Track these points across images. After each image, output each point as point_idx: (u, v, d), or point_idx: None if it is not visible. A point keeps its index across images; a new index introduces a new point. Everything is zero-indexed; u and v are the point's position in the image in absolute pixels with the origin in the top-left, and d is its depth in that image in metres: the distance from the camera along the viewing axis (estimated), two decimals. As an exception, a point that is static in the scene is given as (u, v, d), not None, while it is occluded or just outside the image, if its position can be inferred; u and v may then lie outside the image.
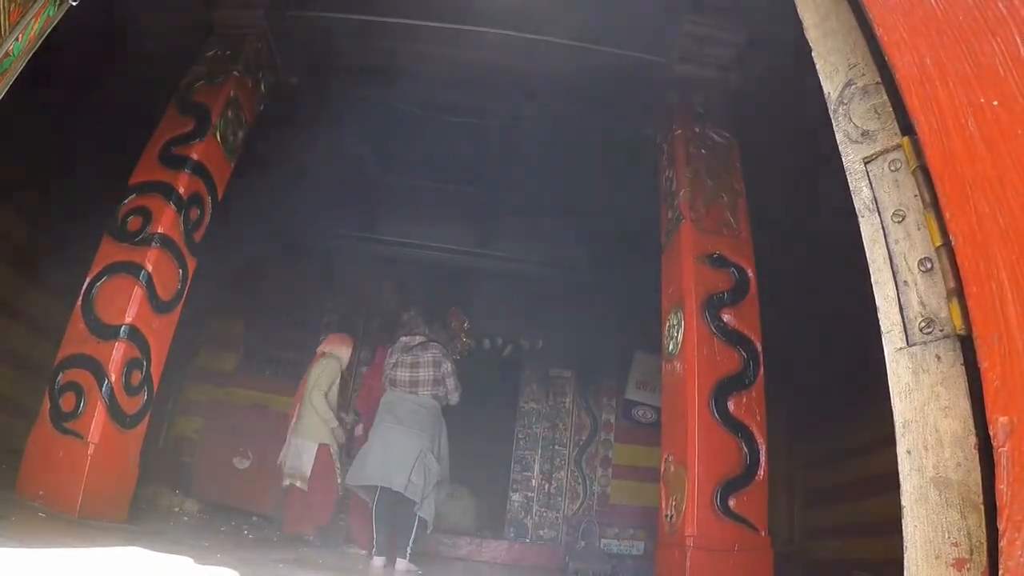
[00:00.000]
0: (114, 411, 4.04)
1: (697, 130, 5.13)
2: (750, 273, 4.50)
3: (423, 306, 6.48)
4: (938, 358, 1.30)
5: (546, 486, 8.14)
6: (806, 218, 5.66)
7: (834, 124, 1.67)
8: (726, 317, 4.29)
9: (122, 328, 4.14)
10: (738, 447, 3.98)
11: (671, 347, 4.45)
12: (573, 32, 5.35)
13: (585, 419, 8.42)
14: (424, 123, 6.45)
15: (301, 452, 6.05)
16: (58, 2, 2.69)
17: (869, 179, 1.54)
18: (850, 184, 1.59)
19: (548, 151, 6.50)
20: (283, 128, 6.15)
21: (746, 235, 4.70)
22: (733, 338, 4.24)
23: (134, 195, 4.52)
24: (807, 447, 7.45)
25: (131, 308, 4.20)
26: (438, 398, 5.53)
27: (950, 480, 1.20)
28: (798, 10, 1.88)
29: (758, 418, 4.10)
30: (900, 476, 1.29)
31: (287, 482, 6.04)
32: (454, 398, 5.64)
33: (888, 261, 1.44)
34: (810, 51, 1.81)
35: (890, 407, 1.35)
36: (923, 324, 1.34)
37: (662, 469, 4.32)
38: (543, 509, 8.04)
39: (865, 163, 1.56)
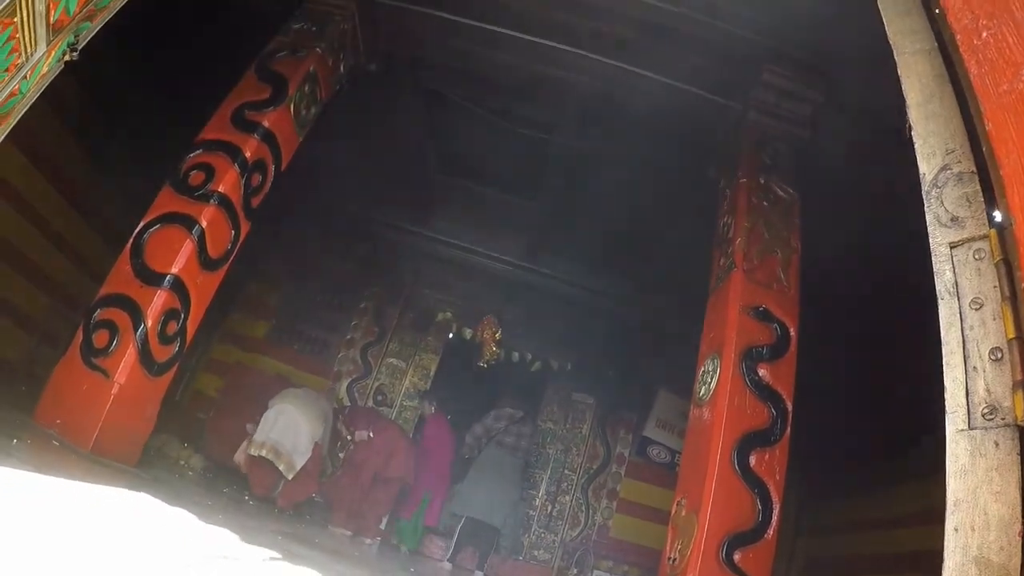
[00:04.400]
0: (144, 356, 4.11)
1: (762, 181, 5.09)
2: (792, 332, 4.43)
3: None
4: (996, 444, 1.33)
5: (549, 507, 8.13)
6: (853, 282, 5.61)
7: (925, 205, 1.70)
8: (762, 371, 4.23)
9: (167, 277, 4.21)
10: (753, 502, 3.93)
11: (702, 392, 4.43)
12: (654, 65, 5.38)
13: (599, 448, 8.40)
14: (492, 129, 6.50)
15: (298, 434, 6.08)
16: (65, 53, 2.74)
17: (953, 264, 1.57)
18: (934, 266, 1.62)
19: (611, 178, 6.51)
20: (354, 111, 6.24)
21: (794, 293, 4.64)
22: (765, 393, 4.18)
23: (200, 151, 4.62)
24: (812, 515, 7.33)
25: (179, 259, 4.28)
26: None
27: (991, 562, 1.23)
28: (903, 87, 1.90)
29: (777, 477, 4.03)
30: (945, 551, 1.31)
31: (259, 453, 6.02)
32: None
33: (961, 345, 1.47)
34: (907, 128, 1.83)
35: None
36: (986, 410, 1.37)
37: (673, 511, 4.30)
38: (542, 530, 8.03)
39: (951, 247, 1.59)
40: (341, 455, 6.81)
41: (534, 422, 7.81)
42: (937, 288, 1.55)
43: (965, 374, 1.43)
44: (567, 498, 8.16)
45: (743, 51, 5.11)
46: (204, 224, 4.39)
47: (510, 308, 8.26)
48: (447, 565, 6.68)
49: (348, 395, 8.17)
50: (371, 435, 6.60)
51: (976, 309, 1.49)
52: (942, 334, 1.51)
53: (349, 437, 6.77)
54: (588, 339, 8.03)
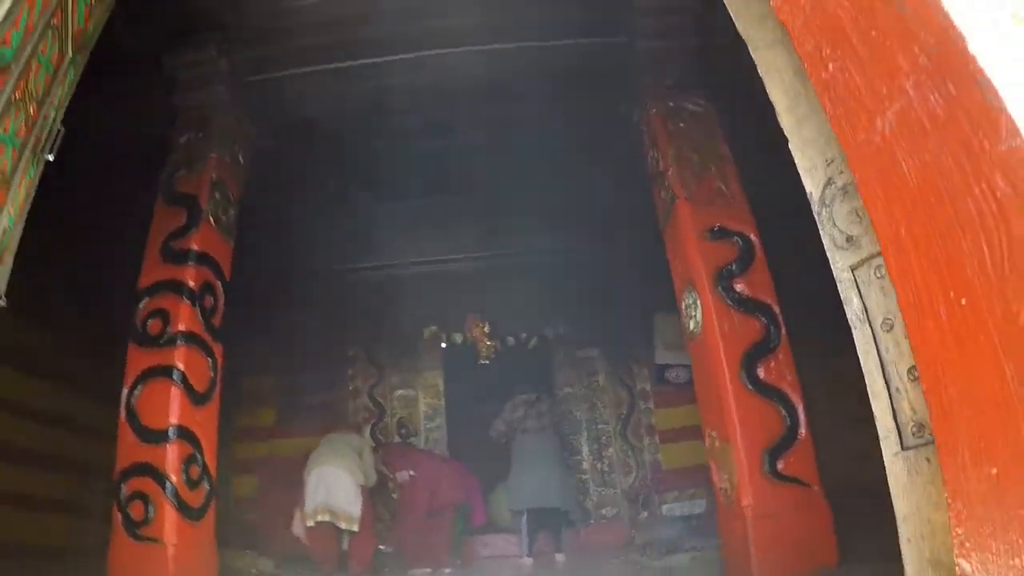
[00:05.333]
0: (182, 508, 4.29)
1: (671, 104, 5.21)
2: (753, 237, 4.60)
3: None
4: (928, 460, 1.43)
5: (598, 465, 8.33)
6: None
7: (819, 228, 1.70)
8: (739, 287, 4.42)
9: (169, 430, 4.36)
10: (776, 411, 4.15)
11: (692, 326, 4.61)
12: (530, 34, 5.46)
13: (621, 392, 8.56)
14: (401, 149, 6.62)
15: (343, 489, 6.21)
16: (36, 161, 2.82)
17: (857, 287, 1.60)
18: (840, 294, 1.64)
19: (533, 150, 6.69)
20: (270, 184, 6.30)
21: (741, 200, 4.79)
22: (750, 306, 4.38)
23: (147, 298, 4.73)
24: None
25: (172, 408, 4.43)
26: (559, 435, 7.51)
27: (943, 562, 1.36)
28: (768, 92, 1.88)
29: (789, 378, 4.24)
30: (903, 558, 1.47)
31: (321, 519, 6.13)
32: None
33: (880, 369, 1.54)
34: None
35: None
36: (914, 429, 1.47)
37: (707, 444, 4.52)
38: (600, 489, 8.25)
39: (852, 271, 1.61)
40: (395, 496, 7.06)
41: (550, 397, 7.98)
42: (848, 317, 1.60)
43: (889, 397, 1.51)
44: (611, 450, 8.39)
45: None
46: (181, 367, 4.54)
47: (486, 299, 8.40)
48: (527, 560, 6.84)
49: (373, 439, 8.35)
50: (412, 473, 6.80)
51: (887, 330, 1.52)
52: (861, 361, 1.58)
53: (391, 481, 7.00)
54: (568, 298, 8.15)
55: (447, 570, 6.56)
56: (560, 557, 6.91)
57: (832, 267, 1.69)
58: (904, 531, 1.47)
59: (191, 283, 4.76)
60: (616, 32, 5.54)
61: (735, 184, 4.88)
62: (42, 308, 5.87)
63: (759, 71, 1.93)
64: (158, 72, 5.40)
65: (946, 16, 1.07)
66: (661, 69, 5.35)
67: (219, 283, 5.08)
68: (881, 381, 1.55)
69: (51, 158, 2.87)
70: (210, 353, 4.85)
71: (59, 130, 2.90)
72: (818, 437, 4.23)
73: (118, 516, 4.26)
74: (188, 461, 4.43)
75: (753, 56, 1.96)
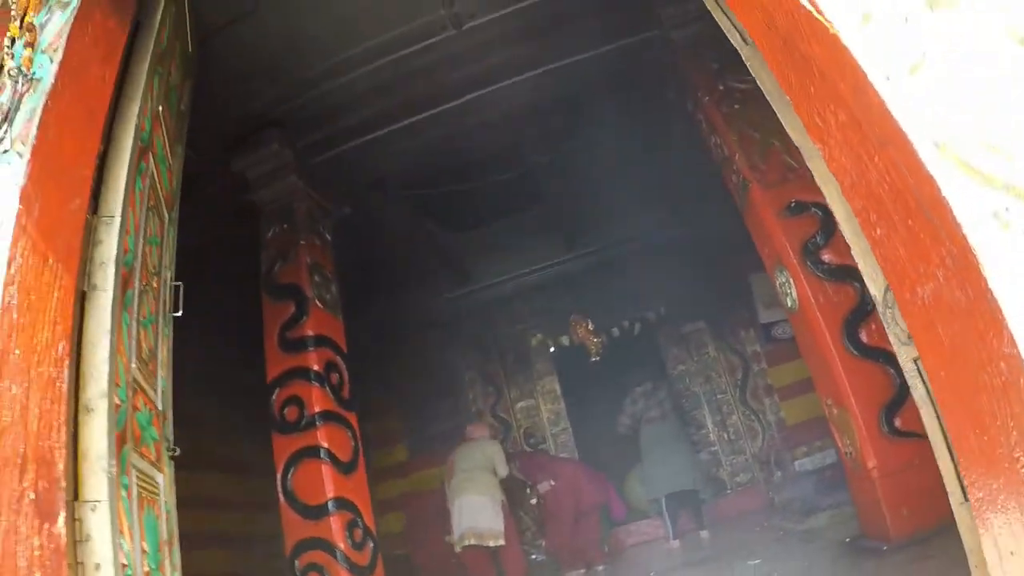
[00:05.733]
0: (353, 570, 4.61)
1: (721, 88, 5.12)
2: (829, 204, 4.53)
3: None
4: None
5: (724, 435, 8.34)
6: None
7: (885, 326, 1.79)
8: (826, 257, 4.34)
9: (328, 504, 4.70)
10: (884, 371, 4.09)
11: (790, 303, 4.58)
12: (570, 50, 5.53)
13: (733, 359, 8.54)
14: (475, 179, 6.83)
15: (484, 510, 6.44)
16: (167, 322, 3.12)
17: (920, 376, 1.68)
18: (908, 382, 1.73)
19: (599, 152, 6.77)
20: (361, 238, 6.65)
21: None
22: (840, 274, 4.29)
23: (278, 388, 5.07)
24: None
25: (327, 484, 4.76)
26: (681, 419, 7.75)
27: None
28: (826, 197, 1.93)
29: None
30: None
31: (468, 543, 6.37)
32: None
33: (944, 441, 1.66)
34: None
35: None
36: None
37: (826, 412, 4.54)
38: (731, 457, 8.27)
39: (915, 362, 1.70)
40: (533, 502, 7.29)
41: (666, 382, 8.11)
42: (915, 399, 1.69)
43: (952, 461, 1.63)
44: (734, 418, 8.37)
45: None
46: (325, 445, 4.85)
47: (584, 297, 8.52)
48: (675, 543, 6.99)
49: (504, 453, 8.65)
50: (552, 483, 7.01)
51: (948, 412, 1.62)
52: (928, 433, 1.68)
53: (530, 490, 7.24)
54: (662, 279, 8.17)
55: (600, 567, 6.74)
56: (704, 533, 7.03)
57: (899, 359, 1.76)
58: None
59: (315, 367, 5.07)
60: (648, 27, 5.52)
61: (801, 155, 4.78)
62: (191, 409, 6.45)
63: (815, 179, 1.97)
64: (229, 176, 5.71)
65: (964, 237, 1.23)
66: (701, 54, 5.26)
67: (339, 358, 5.38)
68: (944, 448, 1.67)
69: (179, 313, 3.20)
70: (347, 424, 5.17)
71: (177, 287, 3.21)
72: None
73: (298, 592, 4.63)
74: (350, 526, 4.75)
75: (808, 164, 2.03)
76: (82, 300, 2.22)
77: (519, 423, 8.88)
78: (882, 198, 1.54)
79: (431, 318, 8.53)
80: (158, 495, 2.67)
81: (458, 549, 6.48)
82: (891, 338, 1.75)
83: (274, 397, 5.07)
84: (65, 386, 1.99)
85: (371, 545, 4.93)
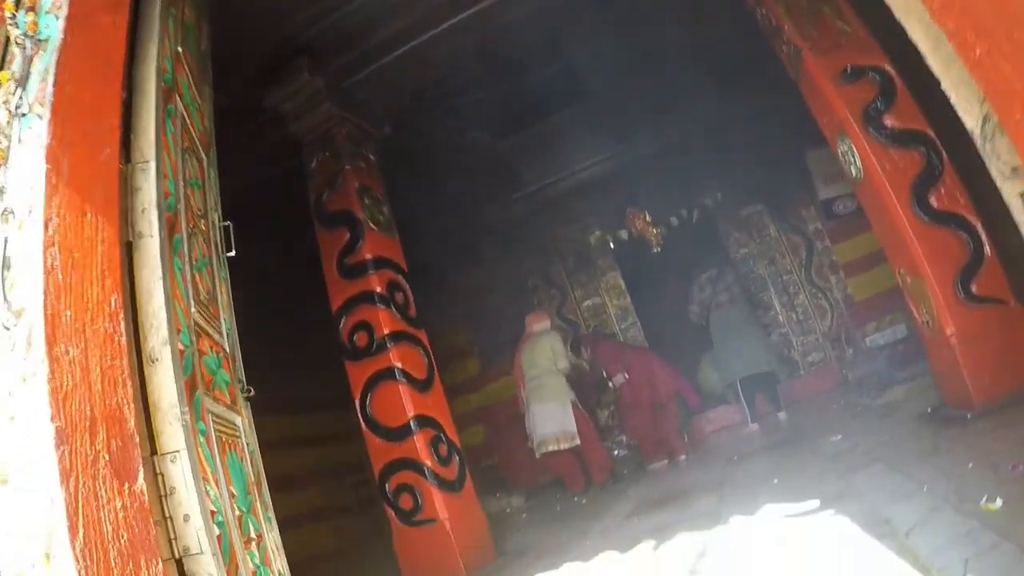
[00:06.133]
0: (443, 485, 4.61)
1: (764, -49, 4.67)
2: (888, 68, 4.10)
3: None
4: None
5: (793, 316, 8.11)
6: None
7: (985, 160, 1.56)
8: (889, 122, 3.99)
9: (410, 423, 4.66)
10: (957, 236, 3.85)
11: (854, 172, 4.28)
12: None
13: (795, 238, 8.23)
14: (514, 83, 6.51)
15: (553, 414, 6.46)
16: (222, 263, 3.00)
17: None
18: (1015, 217, 1.51)
19: (640, 39, 6.33)
20: (408, 157, 6.45)
21: (865, 33, 4.25)
22: (905, 139, 3.97)
23: (344, 317, 4.98)
24: None
25: (406, 404, 4.71)
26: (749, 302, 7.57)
27: None
28: (908, 33, 1.67)
29: (962, 201, 3.87)
30: None
31: (546, 449, 6.44)
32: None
33: None
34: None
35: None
36: None
37: (900, 282, 4.30)
38: (801, 337, 8.05)
39: (1021, 197, 1.48)
40: (613, 384, 7.12)
41: (730, 267, 7.85)
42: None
43: None
44: (801, 298, 8.10)
45: None
46: (399, 365, 4.78)
47: (639, 189, 8.19)
48: (754, 427, 6.93)
49: (574, 353, 8.56)
50: (626, 375, 6.90)
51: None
52: None
53: (610, 384, 7.17)
54: (716, 163, 7.75)
55: (682, 457, 6.68)
56: (782, 415, 6.90)
57: (1004, 197, 1.54)
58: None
59: (378, 289, 4.94)
60: None
61: (853, 18, 4.33)
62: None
63: (894, 12, 1.71)
64: (265, 112, 5.47)
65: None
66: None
67: (401, 277, 5.24)
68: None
69: (232, 253, 3.07)
70: (418, 342, 5.07)
71: (226, 227, 3.07)
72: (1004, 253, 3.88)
73: (390, 512, 4.64)
74: (434, 442, 4.73)
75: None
76: (129, 250, 2.10)
77: (587, 322, 8.79)
78: (980, 13, 1.37)
79: (487, 228, 8.31)
80: (239, 437, 2.60)
81: (538, 456, 6.51)
82: (994, 173, 1.51)
83: (341, 326, 4.98)
84: (124, 340, 1.88)
85: (457, 458, 4.91)
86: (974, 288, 3.80)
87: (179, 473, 1.97)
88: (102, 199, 1.96)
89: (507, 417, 7.51)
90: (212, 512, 2.06)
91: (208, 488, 2.09)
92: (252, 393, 2.84)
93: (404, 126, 6.15)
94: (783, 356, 7.80)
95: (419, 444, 4.64)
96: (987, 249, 3.82)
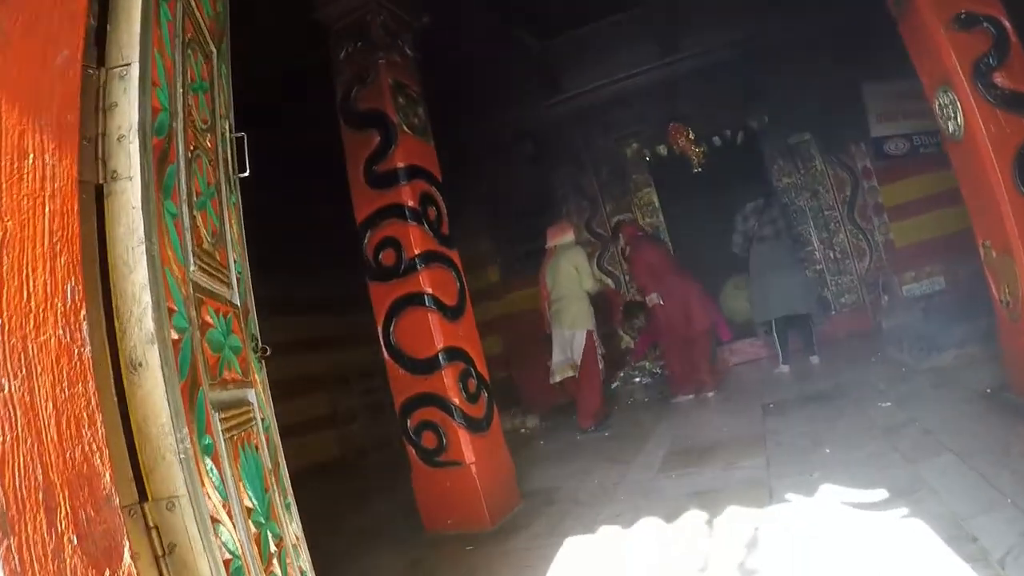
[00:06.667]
0: (471, 426, 4.03)
1: None
2: (1004, 21, 3.41)
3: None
4: None
5: (831, 254, 7.49)
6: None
7: None
8: (1000, 81, 3.34)
9: (439, 356, 4.01)
10: None
11: (952, 128, 3.62)
12: None
13: (842, 174, 7.50)
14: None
15: (565, 342, 5.90)
16: (233, 186, 2.27)
17: None
18: None
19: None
20: (443, 53, 5.47)
21: (986, -26, 3.48)
22: (1013, 102, 3.33)
23: (370, 231, 4.21)
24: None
25: (435, 334, 4.03)
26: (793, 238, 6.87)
27: None
28: None
29: None
30: None
31: (560, 377, 5.95)
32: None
33: None
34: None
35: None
36: None
37: (982, 255, 3.74)
38: (836, 277, 7.48)
39: None
40: (648, 301, 6.53)
41: (779, 201, 7.07)
42: None
43: None
44: (841, 236, 7.45)
45: None
46: (429, 290, 4.07)
47: (683, 104, 7.37)
48: (785, 368, 6.44)
49: (602, 271, 7.94)
50: (661, 301, 6.28)
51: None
52: None
53: (641, 299, 6.66)
54: (767, 85, 6.95)
55: (711, 393, 6.18)
56: (815, 359, 6.47)
57: None
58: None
59: (410, 202, 4.14)
60: None
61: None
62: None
63: None
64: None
65: None
66: None
67: (435, 188, 4.43)
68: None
69: (246, 173, 2.33)
70: (450, 264, 4.34)
71: (239, 138, 2.32)
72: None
73: (410, 450, 4.09)
74: (463, 377, 4.10)
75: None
76: (99, 199, 1.37)
77: (618, 237, 8.07)
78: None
79: (521, 132, 7.44)
80: (252, 419, 1.95)
81: (554, 381, 5.97)
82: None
83: (366, 241, 4.21)
84: (88, 351, 1.19)
85: (485, 395, 4.29)
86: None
87: (179, 523, 1.34)
88: (54, 126, 1.21)
89: (528, 330, 6.86)
90: (227, 561, 1.46)
91: (220, 530, 1.47)
92: (268, 352, 2.19)
93: (443, 19, 5.12)
94: (819, 297, 7.23)
95: (447, 379, 4.00)
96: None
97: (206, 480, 1.48)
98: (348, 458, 6.03)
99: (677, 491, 3.76)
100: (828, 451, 3.76)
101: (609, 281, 7.13)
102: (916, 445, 3.46)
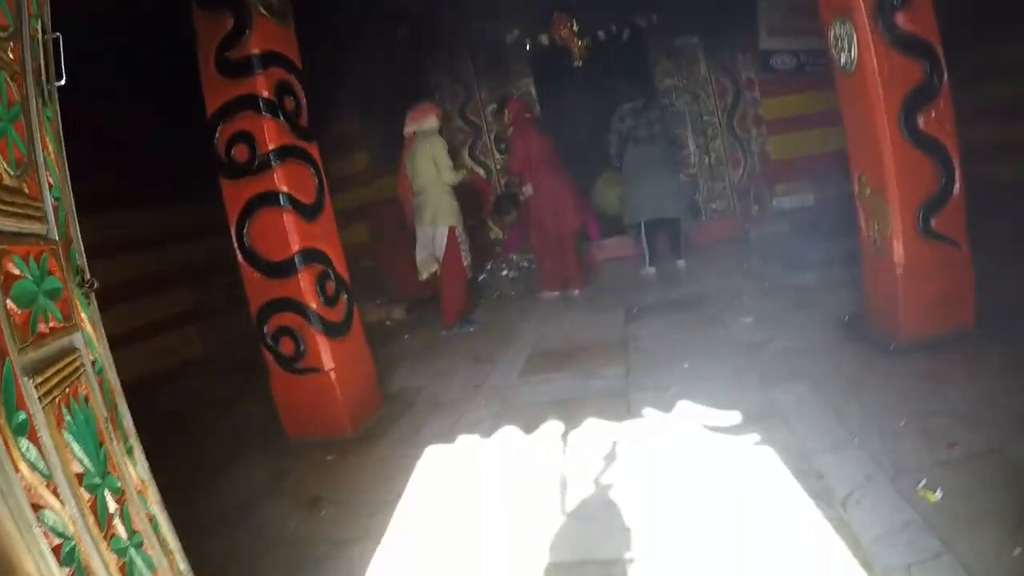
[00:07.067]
0: (329, 331, 4.00)
1: None
2: None
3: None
4: None
5: (707, 160, 7.72)
6: None
7: None
8: (901, 22, 3.40)
9: (295, 259, 3.88)
10: (933, 165, 3.51)
11: (843, 61, 3.69)
12: None
13: (725, 82, 7.62)
14: None
15: (427, 239, 5.81)
16: (48, 100, 2.02)
17: None
18: None
19: None
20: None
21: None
22: (911, 46, 3.42)
23: (221, 124, 3.88)
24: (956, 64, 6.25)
25: (291, 235, 3.87)
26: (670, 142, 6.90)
27: None
28: None
29: (948, 129, 3.50)
30: None
31: (426, 274, 5.94)
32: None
33: None
34: None
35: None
36: None
37: (856, 189, 3.93)
38: (709, 183, 7.75)
39: None
40: (522, 194, 6.51)
41: (657, 103, 7.12)
42: None
43: None
44: (717, 143, 7.66)
45: None
46: (285, 189, 3.86)
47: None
48: (651, 271, 6.71)
49: (474, 160, 7.83)
50: (531, 192, 6.30)
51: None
52: None
53: (513, 192, 6.72)
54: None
55: (576, 292, 6.42)
56: (681, 264, 6.75)
57: None
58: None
59: (265, 93, 3.80)
60: None
61: None
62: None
63: None
64: None
65: None
66: None
67: (293, 77, 4.08)
68: None
69: (62, 82, 2.07)
70: (308, 159, 4.09)
71: (54, 39, 2.03)
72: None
73: (268, 356, 4.03)
74: (321, 279, 4.01)
75: None
76: None
77: (490, 127, 8.00)
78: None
79: (395, 12, 6.93)
80: (80, 367, 1.82)
81: (422, 278, 5.98)
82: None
83: (217, 135, 3.88)
84: None
85: (344, 296, 4.23)
86: (933, 223, 3.55)
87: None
88: None
89: (394, 217, 6.62)
90: (56, 547, 1.40)
91: (45, 515, 1.39)
92: (96, 286, 2.05)
93: None
94: (691, 201, 7.50)
95: (303, 283, 3.91)
96: (957, 186, 3.54)
97: (21, 465, 1.39)
98: (212, 355, 5.83)
99: (538, 398, 3.95)
100: (687, 366, 4.00)
101: (480, 171, 7.02)
102: (773, 367, 3.73)
